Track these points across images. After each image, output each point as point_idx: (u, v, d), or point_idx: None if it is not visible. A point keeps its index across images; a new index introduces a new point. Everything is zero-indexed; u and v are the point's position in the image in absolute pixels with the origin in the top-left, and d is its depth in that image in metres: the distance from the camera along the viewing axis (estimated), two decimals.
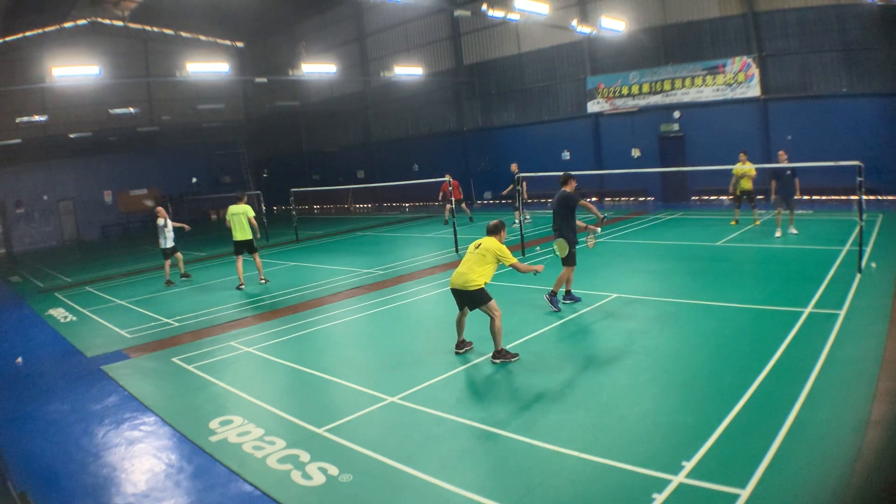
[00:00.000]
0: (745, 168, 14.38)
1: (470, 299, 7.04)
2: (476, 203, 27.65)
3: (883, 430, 4.64)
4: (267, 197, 33.15)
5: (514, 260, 7.06)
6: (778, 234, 13.01)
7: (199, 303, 11.95)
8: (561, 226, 9.02)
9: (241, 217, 12.76)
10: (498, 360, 6.94)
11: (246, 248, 12.96)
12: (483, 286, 6.99)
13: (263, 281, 13.29)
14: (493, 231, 7.30)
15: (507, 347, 7.08)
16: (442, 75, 28.33)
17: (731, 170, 14.45)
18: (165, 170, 35.44)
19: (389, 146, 31.98)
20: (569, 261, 8.93)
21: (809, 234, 13.00)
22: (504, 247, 7.12)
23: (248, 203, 13.03)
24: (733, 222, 15.08)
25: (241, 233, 12.78)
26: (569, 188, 9.04)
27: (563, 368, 6.64)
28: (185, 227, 15.14)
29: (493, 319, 6.94)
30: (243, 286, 12.98)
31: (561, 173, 9.36)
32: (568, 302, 9.18)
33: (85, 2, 28.90)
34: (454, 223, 15.87)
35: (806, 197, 17.06)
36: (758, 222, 14.73)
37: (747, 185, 14.48)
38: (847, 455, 4.34)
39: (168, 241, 14.11)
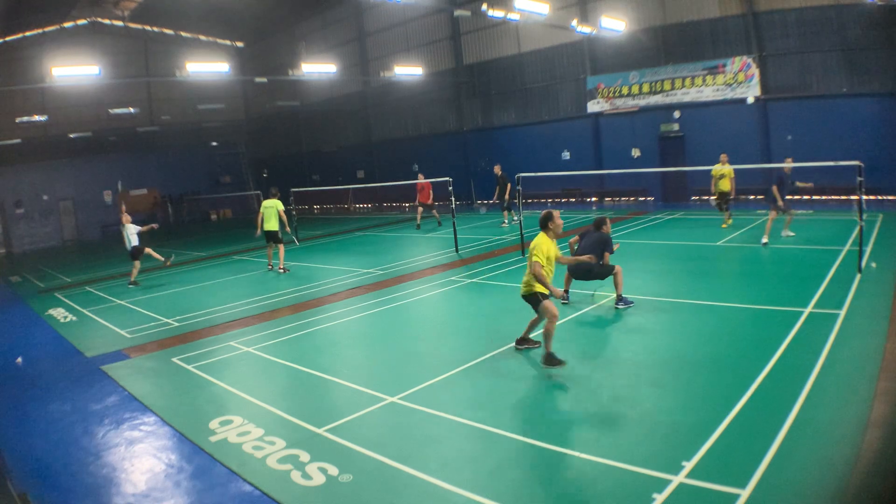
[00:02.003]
0: (724, 169, 14.35)
1: (530, 303, 6.85)
2: (476, 203, 27.65)
3: (883, 430, 4.64)
4: (266, 197, 33.12)
5: (536, 262, 6.60)
6: (765, 240, 12.15)
7: (199, 303, 11.95)
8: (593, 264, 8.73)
9: (272, 210, 14.23)
10: (546, 366, 6.58)
11: (272, 238, 14.39)
12: (535, 290, 6.69)
13: (282, 270, 14.40)
14: (542, 224, 6.89)
15: (505, 349, 7.05)
16: (442, 75, 28.33)
17: (731, 170, 14.43)
18: (165, 170, 35.44)
19: (389, 146, 31.98)
20: (607, 271, 8.78)
21: (809, 234, 12.99)
22: (541, 244, 6.68)
23: (279, 199, 14.54)
24: (725, 224, 14.91)
25: (269, 224, 14.26)
26: (606, 229, 9.11)
27: (563, 368, 6.64)
28: (153, 226, 15.44)
29: (545, 320, 6.65)
30: (272, 268, 14.70)
31: (595, 218, 9.35)
32: (565, 303, 9.20)
33: (85, 2, 28.90)
34: (453, 224, 15.72)
35: (806, 196, 17.04)
36: (729, 221, 14.75)
37: (725, 186, 14.44)
38: (847, 455, 4.34)
39: (133, 240, 14.36)
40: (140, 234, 14.43)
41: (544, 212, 6.92)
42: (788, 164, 12.55)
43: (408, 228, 21.32)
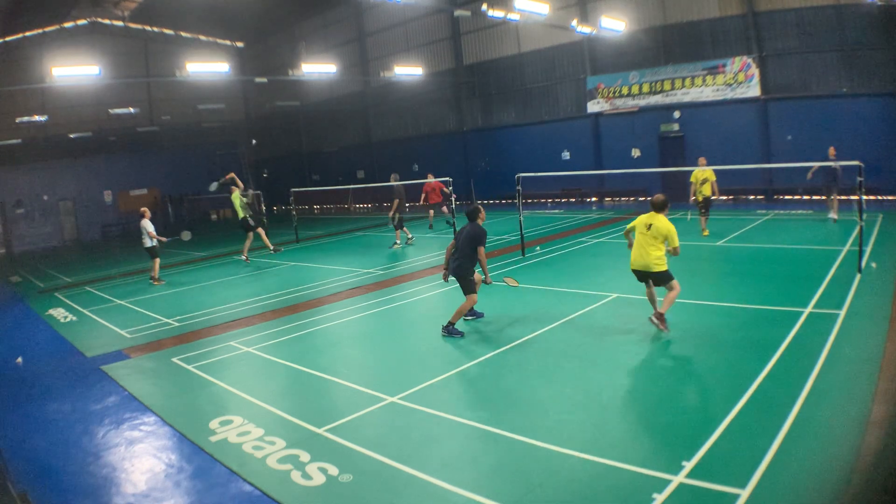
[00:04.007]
0: (707, 173, 13.71)
1: (655, 279, 7.37)
2: (476, 203, 27.64)
3: (883, 430, 4.64)
4: (267, 197, 33.14)
5: (678, 245, 7.11)
6: (835, 217, 13.95)
7: (199, 303, 11.94)
8: (463, 263, 8.16)
9: (234, 201, 16.00)
10: (654, 321, 7.25)
11: (244, 227, 16.06)
12: (667, 268, 7.25)
13: (273, 250, 16.66)
14: (663, 206, 7.36)
15: (505, 349, 7.05)
16: (442, 75, 28.32)
17: (732, 170, 14.31)
18: (165, 170, 35.40)
19: (389, 146, 31.98)
20: (471, 289, 8.26)
21: (809, 234, 13.01)
22: (673, 227, 7.15)
23: (240, 191, 16.15)
24: (705, 232, 14.09)
25: (239, 213, 16.02)
26: (480, 221, 8.30)
27: (563, 368, 6.64)
28: (163, 239, 14.70)
29: (671, 290, 7.27)
30: (248, 261, 16.29)
31: (469, 207, 8.48)
32: (470, 318, 8.79)
33: (85, 2, 28.90)
34: (453, 225, 15.73)
35: (806, 197, 17.04)
36: (706, 233, 14.03)
37: (708, 190, 13.82)
38: (847, 455, 4.34)
39: (147, 241, 14.27)
40: (153, 239, 14.26)
41: (664, 195, 7.54)
42: (835, 162, 13.14)
43: (409, 228, 21.23)
